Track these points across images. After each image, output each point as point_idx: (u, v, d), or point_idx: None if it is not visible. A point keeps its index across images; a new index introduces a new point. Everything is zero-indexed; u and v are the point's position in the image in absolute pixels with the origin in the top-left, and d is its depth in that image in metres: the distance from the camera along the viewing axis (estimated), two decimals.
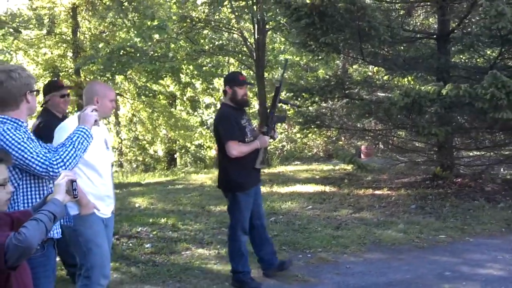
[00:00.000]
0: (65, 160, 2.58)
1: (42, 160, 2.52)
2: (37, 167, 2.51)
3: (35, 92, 2.69)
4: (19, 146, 2.50)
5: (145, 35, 11.86)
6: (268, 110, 4.84)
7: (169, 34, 13.70)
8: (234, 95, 4.45)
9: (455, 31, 9.09)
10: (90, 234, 3.20)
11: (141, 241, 6.09)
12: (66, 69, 16.31)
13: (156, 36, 13.22)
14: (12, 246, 1.91)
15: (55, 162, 2.54)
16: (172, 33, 15.17)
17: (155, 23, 11.82)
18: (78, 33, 15.65)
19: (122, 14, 12.82)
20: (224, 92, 4.55)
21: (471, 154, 10.44)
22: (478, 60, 10.21)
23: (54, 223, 2.13)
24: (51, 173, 2.53)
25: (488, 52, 9.46)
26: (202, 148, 23.55)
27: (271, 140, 4.75)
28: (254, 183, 4.57)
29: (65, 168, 2.57)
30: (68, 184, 2.31)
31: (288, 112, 9.58)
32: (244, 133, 4.43)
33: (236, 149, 4.31)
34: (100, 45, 14.71)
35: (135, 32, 12.87)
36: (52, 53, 16.09)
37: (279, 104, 4.96)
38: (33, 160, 2.51)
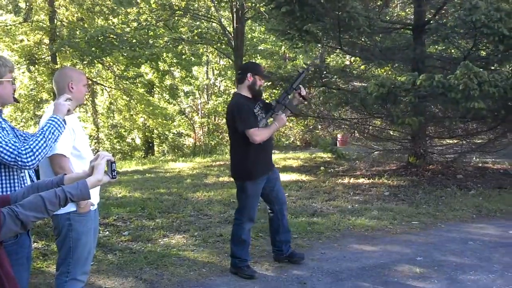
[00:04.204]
0: (34, 150, 2.53)
1: (11, 150, 2.48)
2: (6, 157, 2.48)
3: (10, 80, 2.63)
4: None
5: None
6: (284, 91, 4.74)
7: None
8: (254, 84, 4.45)
9: (431, 22, 9.20)
10: (81, 232, 3.20)
11: (118, 229, 6.10)
12: (43, 57, 16.09)
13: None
14: (8, 219, 1.88)
15: (24, 152, 2.50)
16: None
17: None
18: (55, 20, 15.41)
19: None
20: (241, 79, 4.50)
21: (444, 142, 10.63)
22: (452, 51, 10.36)
23: (65, 204, 2.09)
24: (19, 163, 2.50)
25: (463, 43, 9.60)
26: (180, 136, 23.50)
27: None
28: (264, 172, 4.54)
29: (35, 158, 2.53)
30: (108, 165, 2.28)
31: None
32: (257, 121, 4.42)
33: (258, 135, 4.32)
34: (78, 32, 14.52)
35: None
36: (28, 40, 15.83)
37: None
38: (1, 149, 2.47)
